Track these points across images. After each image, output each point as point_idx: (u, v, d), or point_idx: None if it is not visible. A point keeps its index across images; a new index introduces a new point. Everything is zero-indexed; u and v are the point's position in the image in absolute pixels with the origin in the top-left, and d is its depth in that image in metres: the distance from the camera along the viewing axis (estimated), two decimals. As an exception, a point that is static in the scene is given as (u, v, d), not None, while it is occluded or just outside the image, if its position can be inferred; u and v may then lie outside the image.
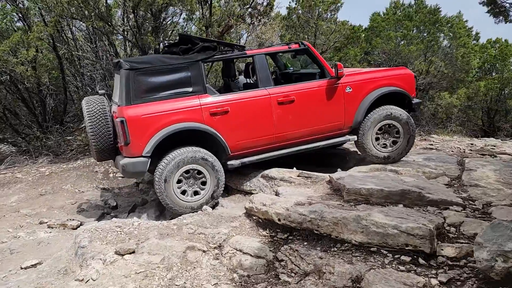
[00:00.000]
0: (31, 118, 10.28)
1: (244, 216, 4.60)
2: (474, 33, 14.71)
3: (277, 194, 5.13)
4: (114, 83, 5.88)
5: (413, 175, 5.48)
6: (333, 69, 5.81)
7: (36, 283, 3.71)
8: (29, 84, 8.99)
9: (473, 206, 4.25)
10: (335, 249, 3.62)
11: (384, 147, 6.15)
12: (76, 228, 5.41)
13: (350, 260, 3.38)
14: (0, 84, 9.17)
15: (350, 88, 5.92)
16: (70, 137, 10.34)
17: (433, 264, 3.18)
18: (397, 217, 3.58)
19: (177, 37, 6.90)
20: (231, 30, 7.47)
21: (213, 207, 5.38)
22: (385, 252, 3.38)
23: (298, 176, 5.68)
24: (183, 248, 3.88)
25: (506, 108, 15.70)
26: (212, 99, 5.33)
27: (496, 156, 7.67)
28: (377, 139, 6.11)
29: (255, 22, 7.69)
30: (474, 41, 14.29)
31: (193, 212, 5.03)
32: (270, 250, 3.92)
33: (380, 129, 6.08)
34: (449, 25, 12.76)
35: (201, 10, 7.96)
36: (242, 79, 6.51)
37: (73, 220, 5.78)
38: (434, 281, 2.93)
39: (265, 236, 4.17)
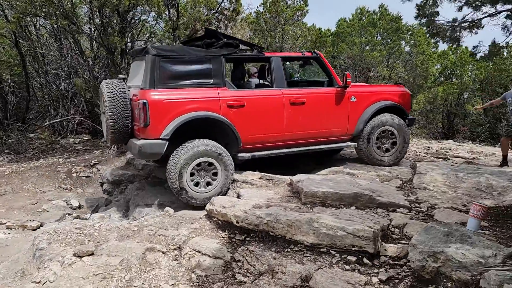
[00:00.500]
0: (-9, 116, 10.04)
1: (205, 218, 4.73)
2: (433, 41, 15.35)
3: (239, 196, 5.28)
4: (132, 70, 6.10)
5: (368, 178, 5.76)
6: (341, 79, 6.23)
7: (-8, 285, 3.72)
8: (-11, 81, 8.79)
9: (419, 208, 4.55)
10: (289, 250, 3.81)
11: (385, 152, 6.63)
12: (36, 229, 5.39)
13: (301, 261, 3.57)
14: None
15: (354, 98, 6.33)
16: (33, 135, 10.16)
17: (376, 264, 3.42)
18: (346, 219, 3.81)
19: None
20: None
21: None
22: (333, 252, 3.60)
23: (260, 178, 5.85)
24: (143, 250, 3.97)
25: (464, 112, 16.46)
26: (230, 92, 5.61)
27: (449, 159, 8.12)
28: (378, 147, 6.58)
29: (222, 26, 7.82)
30: (434, 49, 14.90)
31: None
32: (228, 251, 4.06)
33: (380, 134, 6.53)
34: (410, 33, 13.30)
35: (168, 13, 8.00)
36: (254, 81, 6.72)
37: (33, 221, 5.75)
38: (375, 279, 3.17)
39: (224, 237, 4.32)
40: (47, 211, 6.22)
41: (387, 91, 6.75)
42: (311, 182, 5.04)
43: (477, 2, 4.13)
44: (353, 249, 3.54)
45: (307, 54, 6.39)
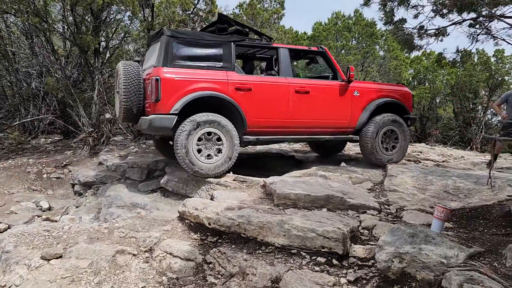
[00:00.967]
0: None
1: (177, 220, 4.71)
2: (399, 47, 15.70)
3: (212, 198, 5.28)
4: (147, 54, 6.42)
5: (340, 180, 5.85)
6: (345, 74, 6.53)
7: (-45, 290, 3.61)
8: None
9: (388, 210, 4.65)
10: (260, 251, 3.83)
11: (387, 150, 6.84)
12: (3, 232, 5.25)
13: (272, 262, 3.60)
14: None
15: (357, 93, 6.62)
16: (2, 135, 9.88)
17: (345, 265, 3.48)
18: (316, 221, 3.86)
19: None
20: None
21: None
22: (304, 253, 3.64)
23: (234, 180, 5.86)
24: (113, 252, 3.92)
25: (436, 116, 16.90)
26: (238, 76, 5.92)
27: (420, 162, 8.32)
28: (382, 142, 6.78)
29: (198, 28, 7.80)
30: (407, 54, 15.27)
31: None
32: (200, 253, 4.06)
33: (384, 133, 6.74)
34: (384, 38, 13.59)
35: (143, 12, 7.93)
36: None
37: (0, 223, 5.59)
38: (343, 280, 3.22)
39: (195, 239, 4.31)
40: (15, 213, 6.06)
41: (389, 89, 7.03)
42: (284, 184, 5.09)
43: (444, 10, 4.27)
44: (323, 250, 3.59)
45: (313, 48, 6.72)
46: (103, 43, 9.28)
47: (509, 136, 6.93)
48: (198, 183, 5.90)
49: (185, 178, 6.04)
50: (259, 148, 8.83)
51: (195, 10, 7.47)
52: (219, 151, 5.72)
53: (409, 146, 11.16)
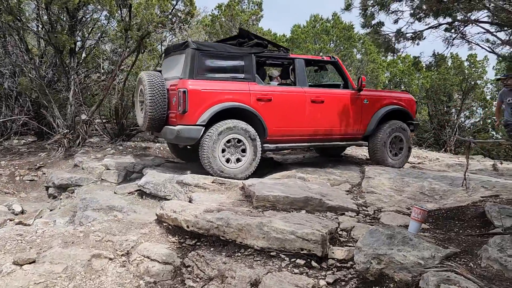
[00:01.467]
0: None
1: (155, 223, 4.64)
2: (377, 50, 15.97)
3: (190, 200, 5.23)
4: (166, 64, 6.59)
5: (319, 182, 5.89)
6: (356, 82, 6.86)
7: None
8: None
9: (366, 212, 4.70)
10: (239, 254, 3.81)
11: (393, 155, 7.18)
12: (-28, 237, 5.05)
13: (251, 265, 3.58)
14: None
15: (367, 101, 6.94)
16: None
17: (324, 266, 3.49)
18: (296, 223, 3.87)
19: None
20: (152, 34, 7.44)
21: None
22: (283, 256, 3.63)
23: (212, 182, 5.81)
24: (88, 256, 3.83)
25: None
26: (259, 87, 6.17)
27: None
28: (390, 148, 7.12)
29: (176, 29, 7.74)
30: (383, 57, 15.53)
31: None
32: (178, 256, 4.01)
33: (392, 139, 7.08)
34: (361, 41, 13.80)
35: (120, 12, 7.80)
36: (274, 83, 7.07)
37: (-31, 228, 5.39)
38: (322, 282, 3.23)
39: (174, 242, 4.25)
40: (-14, 217, 5.86)
41: (395, 96, 7.37)
42: (263, 186, 5.08)
43: (421, 14, 4.35)
44: (302, 252, 3.59)
45: (326, 58, 7.02)
46: (79, 43, 9.10)
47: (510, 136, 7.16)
48: (177, 185, 5.83)
49: (163, 180, 5.96)
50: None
51: (173, 11, 7.41)
52: (243, 156, 5.98)
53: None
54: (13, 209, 6.20)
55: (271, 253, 3.69)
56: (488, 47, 4.31)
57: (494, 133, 15.41)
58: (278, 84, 6.97)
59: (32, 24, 8.96)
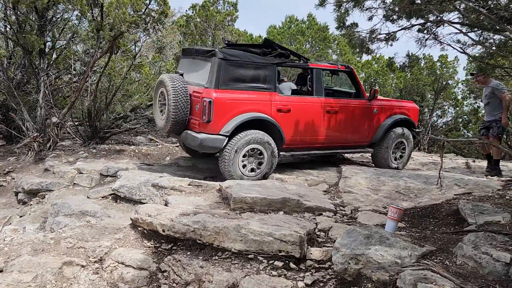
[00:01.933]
0: None
1: (130, 227, 4.52)
2: (351, 51, 16.15)
3: (166, 203, 5.13)
4: (188, 66, 6.54)
5: (296, 183, 5.89)
6: (368, 93, 7.08)
7: None
8: None
9: (343, 211, 4.71)
10: (216, 257, 3.75)
11: (395, 160, 7.41)
12: None
13: (229, 268, 3.53)
14: None
15: (376, 110, 7.11)
16: None
17: (302, 268, 3.47)
18: (273, 224, 3.83)
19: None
20: (125, 35, 7.27)
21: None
22: (261, 258, 3.60)
23: (189, 185, 5.73)
24: (59, 264, 3.71)
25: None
26: (279, 98, 6.26)
27: (372, 164, 8.55)
28: (392, 153, 7.36)
29: (150, 29, 7.60)
30: (358, 58, 15.69)
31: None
32: (154, 261, 3.92)
33: (395, 145, 7.31)
34: (336, 42, 13.90)
35: (92, 12, 7.59)
36: (283, 86, 7.14)
37: None
38: (300, 284, 3.21)
39: (149, 247, 4.16)
40: (-50, 225, 5.59)
41: (402, 106, 7.63)
42: (240, 188, 5.03)
43: (394, 16, 4.40)
44: (280, 254, 3.56)
45: (341, 67, 7.17)
46: (49, 44, 8.80)
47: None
48: (152, 188, 5.71)
49: (138, 183, 5.82)
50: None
51: (147, 10, 7.27)
52: (260, 164, 6.07)
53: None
54: (-21, 216, 5.95)
55: (249, 256, 3.65)
56: (460, 47, 4.37)
57: (466, 131, 15.80)
58: (292, 91, 7.08)
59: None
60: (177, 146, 9.23)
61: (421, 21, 4.36)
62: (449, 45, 4.45)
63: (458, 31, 3.85)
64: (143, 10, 7.32)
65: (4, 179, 7.35)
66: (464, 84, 16.39)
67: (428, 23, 4.21)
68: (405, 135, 7.37)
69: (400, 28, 4.42)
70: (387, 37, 4.43)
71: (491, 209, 3.95)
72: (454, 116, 16.64)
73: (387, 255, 2.96)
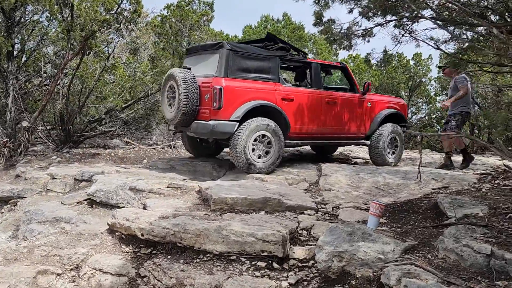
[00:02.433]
0: None
1: (107, 233, 4.39)
2: (329, 47, 16.33)
3: (145, 207, 5.01)
4: (195, 61, 6.81)
5: (276, 182, 5.84)
6: (361, 87, 7.54)
7: None
8: None
9: (325, 209, 4.70)
10: (198, 260, 3.67)
11: (391, 154, 7.70)
12: None
13: (211, 271, 3.45)
14: None
15: (370, 104, 7.60)
16: None
17: (285, 267, 3.43)
18: (255, 225, 3.78)
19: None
20: (97, 35, 7.08)
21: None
22: (243, 259, 3.53)
23: (167, 187, 5.62)
24: (34, 273, 3.56)
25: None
26: (283, 87, 6.64)
27: (351, 161, 8.62)
28: (388, 147, 7.64)
29: (123, 29, 7.43)
30: (334, 57, 15.84)
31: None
32: (133, 267, 3.81)
33: (390, 140, 7.60)
34: (312, 41, 14.00)
35: (62, 13, 7.36)
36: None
37: None
38: (284, 284, 3.16)
39: (128, 252, 4.04)
40: None
41: (392, 101, 8.15)
42: (220, 189, 4.95)
43: (369, 13, 4.42)
44: (263, 254, 3.51)
45: (336, 64, 7.77)
46: (17, 46, 8.52)
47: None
48: (130, 192, 5.57)
49: (115, 187, 5.67)
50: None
51: (119, 10, 7.10)
52: (268, 151, 6.35)
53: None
54: None
55: (231, 257, 3.58)
56: (434, 43, 4.43)
57: (439, 127, 16.15)
58: (292, 85, 7.37)
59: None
60: (154, 149, 9.07)
61: (395, 17, 4.39)
62: (424, 41, 4.50)
63: (434, 26, 3.89)
64: (115, 9, 7.15)
65: (-27, 187, 7.05)
66: (436, 81, 16.75)
67: (404, 19, 4.25)
68: (397, 130, 7.71)
69: (375, 24, 4.44)
70: (364, 33, 4.44)
71: (469, 202, 4.00)
72: (428, 113, 16.99)
73: (370, 251, 2.95)
